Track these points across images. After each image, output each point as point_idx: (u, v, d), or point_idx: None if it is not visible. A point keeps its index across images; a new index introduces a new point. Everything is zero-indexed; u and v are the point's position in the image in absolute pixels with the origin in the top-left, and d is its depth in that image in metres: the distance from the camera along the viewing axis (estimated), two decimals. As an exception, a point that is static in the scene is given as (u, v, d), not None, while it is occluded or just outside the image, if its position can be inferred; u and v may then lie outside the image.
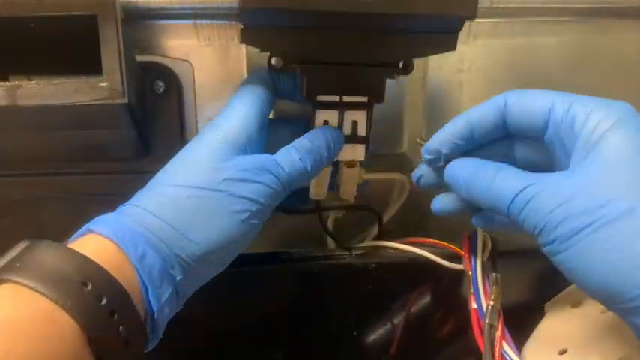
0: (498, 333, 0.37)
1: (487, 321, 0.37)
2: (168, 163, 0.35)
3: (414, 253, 0.41)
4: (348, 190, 0.43)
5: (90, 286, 0.27)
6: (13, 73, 0.39)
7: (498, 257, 0.40)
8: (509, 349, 0.37)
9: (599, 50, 0.50)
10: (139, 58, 0.42)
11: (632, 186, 0.27)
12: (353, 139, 0.39)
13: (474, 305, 0.38)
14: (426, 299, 0.43)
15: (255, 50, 0.44)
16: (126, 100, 0.36)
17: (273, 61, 0.37)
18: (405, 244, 0.42)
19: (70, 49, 0.37)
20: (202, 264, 0.33)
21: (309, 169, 0.36)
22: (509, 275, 0.40)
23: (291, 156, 0.35)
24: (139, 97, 0.41)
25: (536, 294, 0.43)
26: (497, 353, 0.37)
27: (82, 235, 0.32)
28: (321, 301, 0.43)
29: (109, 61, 0.35)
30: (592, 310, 0.39)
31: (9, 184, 0.45)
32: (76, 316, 0.27)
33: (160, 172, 0.35)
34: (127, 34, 0.37)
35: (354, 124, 0.39)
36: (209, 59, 0.44)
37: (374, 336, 0.43)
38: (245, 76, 0.45)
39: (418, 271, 0.42)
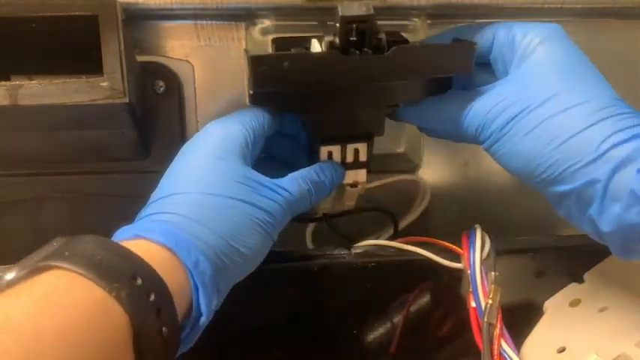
0: (497, 331, 0.37)
1: (486, 319, 0.37)
2: (186, 166, 0.34)
3: (414, 252, 0.41)
4: (349, 203, 0.45)
5: (139, 281, 0.27)
6: (15, 73, 0.39)
7: (497, 256, 0.41)
8: (507, 348, 0.37)
9: (599, 50, 0.50)
10: (140, 58, 0.42)
11: (552, 84, 0.34)
12: (355, 165, 0.41)
13: (473, 304, 0.39)
14: (426, 298, 0.43)
15: (255, 51, 0.44)
16: (126, 100, 0.36)
17: None
18: (405, 243, 0.42)
19: (71, 49, 0.37)
20: (239, 271, 0.34)
21: (313, 199, 0.38)
22: (508, 274, 0.40)
23: (300, 186, 0.37)
24: (140, 97, 0.42)
25: (535, 293, 0.43)
26: (496, 352, 0.37)
27: (130, 239, 0.31)
28: (321, 301, 0.43)
29: (109, 61, 0.36)
30: (590, 308, 0.39)
31: (9, 184, 0.45)
32: (128, 309, 0.26)
33: (176, 176, 0.34)
34: (127, 35, 0.37)
35: (356, 151, 0.40)
36: (209, 59, 0.44)
37: (374, 335, 0.43)
38: (245, 76, 0.45)
39: (417, 270, 0.42)
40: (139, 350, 0.26)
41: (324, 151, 0.40)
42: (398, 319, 0.43)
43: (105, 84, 0.36)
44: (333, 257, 0.41)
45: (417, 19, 0.45)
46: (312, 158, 0.40)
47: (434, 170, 0.53)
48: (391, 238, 0.45)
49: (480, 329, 0.38)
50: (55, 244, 0.28)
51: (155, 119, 0.45)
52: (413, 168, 0.52)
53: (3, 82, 0.35)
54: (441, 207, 0.53)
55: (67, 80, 0.36)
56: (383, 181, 0.50)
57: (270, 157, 0.41)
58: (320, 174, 0.38)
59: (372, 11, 0.32)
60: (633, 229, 0.31)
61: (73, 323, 0.24)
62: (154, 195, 0.34)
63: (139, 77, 0.42)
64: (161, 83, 0.44)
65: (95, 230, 0.41)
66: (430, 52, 0.35)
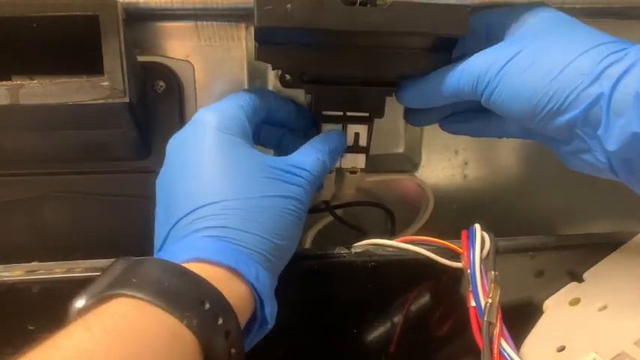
0: (497, 331, 0.37)
1: (485, 318, 0.37)
2: (202, 165, 0.34)
3: (413, 251, 0.41)
4: (349, 192, 0.46)
5: (207, 305, 0.27)
6: (16, 73, 0.39)
7: (497, 255, 0.41)
8: (507, 347, 0.37)
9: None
10: (140, 58, 0.42)
11: (545, 32, 0.35)
12: (354, 149, 0.42)
13: (473, 303, 0.39)
14: (425, 297, 0.43)
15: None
16: (127, 100, 0.36)
17: (286, 76, 0.39)
18: (404, 242, 0.42)
19: (72, 49, 0.37)
20: (284, 261, 0.35)
21: (327, 170, 0.38)
22: (508, 273, 0.40)
23: (318, 160, 0.37)
24: (140, 97, 0.42)
25: (535, 292, 0.43)
26: (495, 351, 0.37)
27: (190, 261, 0.30)
28: (321, 300, 0.43)
29: (110, 60, 0.36)
30: (590, 307, 0.39)
31: (9, 184, 0.45)
32: (199, 335, 0.26)
33: (199, 180, 0.33)
34: (128, 35, 0.37)
35: (356, 135, 0.42)
36: (210, 59, 0.44)
37: (373, 334, 0.43)
38: (245, 76, 0.45)
39: (417, 270, 0.42)
40: None
41: (325, 129, 0.41)
42: (398, 318, 0.43)
43: (105, 84, 0.36)
44: (333, 256, 0.41)
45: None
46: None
47: (433, 170, 0.53)
48: (390, 237, 0.46)
49: (480, 328, 0.38)
50: (118, 267, 0.29)
51: (155, 119, 0.45)
52: (412, 168, 0.52)
53: (4, 82, 0.35)
54: (441, 206, 0.54)
55: (68, 80, 0.36)
56: (382, 177, 0.51)
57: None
58: (330, 143, 0.39)
59: None
60: (637, 139, 0.31)
61: (144, 352, 0.25)
62: (178, 201, 0.33)
63: (140, 77, 0.42)
64: (161, 83, 0.44)
65: (95, 229, 0.41)
66: (425, 7, 0.36)
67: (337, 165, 0.43)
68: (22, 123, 0.39)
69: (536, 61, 0.33)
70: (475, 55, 0.36)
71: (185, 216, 0.32)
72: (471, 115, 0.42)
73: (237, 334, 0.28)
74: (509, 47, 0.35)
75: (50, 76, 0.36)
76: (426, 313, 0.43)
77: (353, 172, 0.44)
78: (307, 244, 0.52)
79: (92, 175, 0.46)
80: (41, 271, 0.38)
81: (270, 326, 0.32)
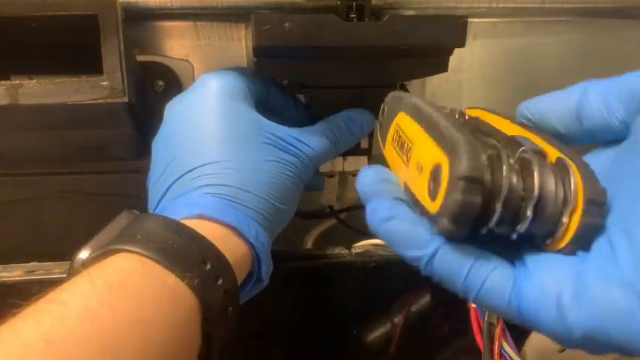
0: (498, 331, 0.37)
1: (486, 319, 0.37)
2: (207, 127, 0.34)
3: (414, 251, 0.41)
4: (352, 195, 0.47)
5: (209, 266, 0.28)
6: (15, 73, 0.39)
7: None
8: (508, 348, 0.37)
9: (599, 50, 0.50)
10: (140, 58, 0.42)
11: None
12: (357, 151, 0.42)
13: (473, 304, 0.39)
14: (426, 298, 0.43)
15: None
16: (126, 100, 0.36)
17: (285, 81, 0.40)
18: (405, 242, 0.42)
19: (71, 48, 0.37)
20: (281, 227, 0.35)
21: (339, 148, 0.39)
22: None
23: (326, 140, 0.37)
24: (140, 97, 0.42)
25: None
26: (496, 352, 0.37)
27: (192, 218, 0.31)
28: (321, 300, 0.43)
29: (109, 60, 0.36)
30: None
31: (9, 184, 0.45)
32: (199, 294, 0.27)
33: (202, 140, 0.34)
34: (127, 34, 0.37)
35: None
36: (209, 59, 0.44)
37: (374, 335, 0.43)
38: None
39: (417, 270, 0.42)
40: (207, 330, 0.28)
41: None
42: (398, 318, 0.43)
43: (105, 83, 0.36)
44: (333, 257, 0.41)
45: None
46: None
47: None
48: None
49: (481, 329, 0.38)
50: (122, 221, 0.30)
51: (155, 119, 0.45)
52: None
53: (3, 82, 0.35)
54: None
55: (67, 80, 0.36)
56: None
57: None
58: (348, 122, 0.39)
59: None
60: None
61: (147, 309, 0.25)
62: (180, 159, 0.34)
63: (139, 77, 0.42)
64: (161, 83, 0.44)
65: (94, 229, 0.41)
66: (423, 20, 0.35)
67: (340, 169, 0.43)
68: (21, 123, 0.39)
69: None
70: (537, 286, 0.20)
71: (186, 173, 0.33)
72: None
73: (234, 293, 0.29)
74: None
75: (49, 76, 0.36)
76: (427, 313, 0.43)
77: (356, 174, 0.44)
78: (309, 246, 0.52)
79: (92, 175, 0.46)
80: (40, 272, 0.38)
81: (265, 284, 0.33)
